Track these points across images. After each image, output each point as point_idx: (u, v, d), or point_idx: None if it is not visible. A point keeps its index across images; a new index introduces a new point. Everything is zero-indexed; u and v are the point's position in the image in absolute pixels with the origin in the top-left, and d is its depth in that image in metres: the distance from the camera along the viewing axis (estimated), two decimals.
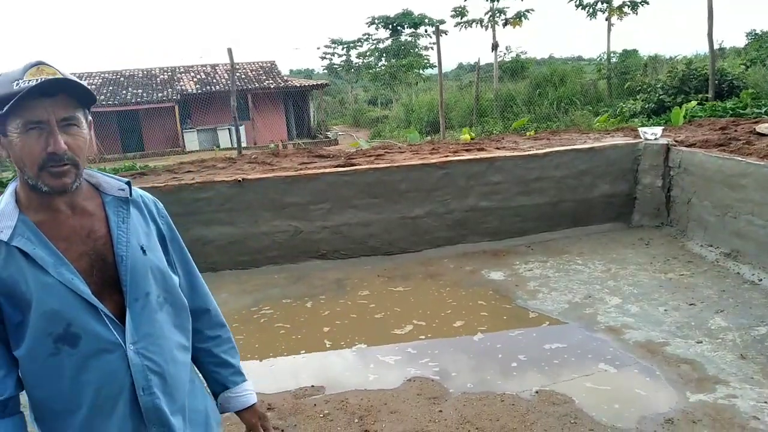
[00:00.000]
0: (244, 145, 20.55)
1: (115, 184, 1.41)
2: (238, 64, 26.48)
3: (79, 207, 1.34)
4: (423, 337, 4.13)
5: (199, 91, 24.20)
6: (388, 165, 5.73)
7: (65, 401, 1.29)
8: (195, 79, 25.45)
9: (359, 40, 33.39)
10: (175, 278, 1.48)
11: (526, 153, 5.94)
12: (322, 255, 5.64)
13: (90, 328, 1.26)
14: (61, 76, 1.23)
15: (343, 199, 5.59)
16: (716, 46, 19.05)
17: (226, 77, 24.77)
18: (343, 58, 34.82)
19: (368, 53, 33.19)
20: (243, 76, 25.67)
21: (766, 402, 3.05)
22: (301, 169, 5.84)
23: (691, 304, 4.25)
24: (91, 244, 1.32)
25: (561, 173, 5.89)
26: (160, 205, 1.54)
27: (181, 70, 26.49)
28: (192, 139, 23.54)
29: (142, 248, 1.37)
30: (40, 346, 1.26)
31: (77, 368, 1.27)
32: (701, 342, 3.72)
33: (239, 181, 5.36)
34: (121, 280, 1.32)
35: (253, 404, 1.62)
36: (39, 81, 1.20)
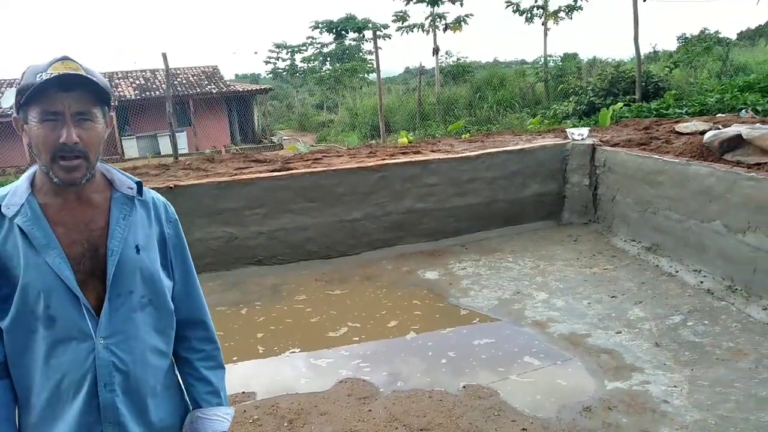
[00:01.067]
0: (186, 151, 20.15)
1: (126, 181, 1.46)
2: (178, 69, 25.95)
3: (85, 197, 1.39)
4: (357, 338, 4.17)
5: (138, 97, 23.52)
6: (325, 169, 5.75)
7: (35, 382, 1.33)
8: (134, 85, 24.75)
9: (303, 44, 33.26)
10: (167, 283, 1.49)
11: (460, 155, 6.07)
12: (259, 261, 5.60)
13: (66, 313, 1.30)
14: (79, 73, 1.29)
15: (279, 203, 5.58)
16: (650, 50, 19.93)
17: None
18: (288, 62, 34.60)
19: (312, 57, 33.07)
20: (184, 82, 25.14)
21: (675, 386, 3.23)
22: (235, 175, 5.79)
23: (612, 297, 4.45)
24: (87, 233, 1.36)
25: (493, 174, 6.05)
26: (171, 210, 1.57)
27: (119, 75, 25.70)
28: (131, 146, 22.85)
29: (136, 247, 1.40)
30: (20, 322, 1.31)
31: (48, 351, 1.31)
32: (620, 332, 3.90)
33: (171, 187, 5.26)
34: (106, 274, 1.35)
35: None
36: (57, 75, 1.27)
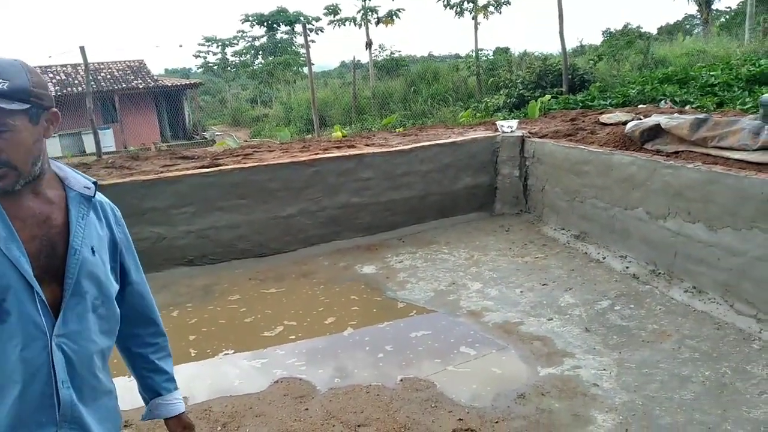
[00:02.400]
0: (113, 149, 19.28)
1: (82, 181, 1.43)
2: (102, 63, 24.79)
3: (41, 193, 1.35)
4: (293, 337, 4.08)
5: (59, 93, 22.29)
6: (256, 164, 5.60)
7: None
8: (54, 80, 23.45)
9: (234, 38, 32.45)
10: (115, 287, 1.48)
11: (394, 149, 6.06)
12: (189, 261, 5.40)
13: (22, 308, 1.26)
14: None
15: (208, 201, 5.39)
16: (576, 44, 20.59)
17: (91, 78, 23.11)
18: (219, 56, 33.69)
19: (244, 51, 32.33)
20: (108, 77, 24.05)
21: (605, 369, 3.33)
22: (161, 172, 5.56)
23: (544, 285, 4.55)
24: (45, 229, 1.33)
25: (427, 167, 6.08)
26: (119, 213, 1.56)
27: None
28: (53, 144, 21.64)
29: (92, 249, 1.39)
30: None
31: (2, 344, 1.26)
32: (552, 319, 3.99)
33: None
34: (66, 272, 1.32)
35: (182, 413, 1.68)
36: None
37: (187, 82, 26.59)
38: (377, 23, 17.78)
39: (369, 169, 5.89)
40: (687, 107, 7.00)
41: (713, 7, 30.16)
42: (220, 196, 5.42)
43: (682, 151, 4.36)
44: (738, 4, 32.35)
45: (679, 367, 3.26)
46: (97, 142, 8.32)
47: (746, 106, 6.10)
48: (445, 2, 16.53)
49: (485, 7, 16.08)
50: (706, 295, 3.86)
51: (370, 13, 17.92)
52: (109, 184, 5.09)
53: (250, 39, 32.10)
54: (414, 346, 3.81)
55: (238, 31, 32.84)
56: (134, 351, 1.63)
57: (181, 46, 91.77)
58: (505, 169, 6.29)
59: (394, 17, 17.87)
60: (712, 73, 8.16)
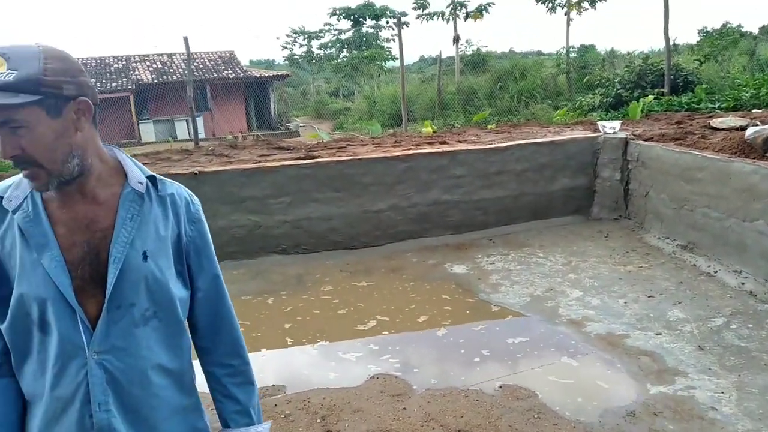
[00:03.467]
0: (202, 136, 20.07)
1: (138, 175, 1.28)
2: (195, 53, 25.86)
3: (90, 193, 1.23)
4: (386, 332, 4.07)
5: (156, 81, 23.51)
6: (351, 158, 5.63)
7: (35, 390, 1.23)
8: (151, 69, 24.73)
9: (321, 30, 33.04)
10: (181, 293, 1.32)
11: (488, 146, 5.93)
12: (283, 250, 5.51)
13: (60, 322, 1.18)
14: None
15: (304, 192, 5.48)
16: (671, 43, 19.56)
17: (183, 67, 24.17)
18: (305, 48, 34.43)
19: (330, 44, 32.86)
20: (201, 66, 25.08)
21: (723, 392, 3.10)
22: (260, 162, 5.69)
23: (649, 296, 4.31)
24: (89, 234, 1.21)
25: (522, 166, 5.91)
26: (196, 206, 1.38)
27: (136, 59, 25.68)
28: (148, 131, 22.89)
29: (144, 253, 1.23)
30: (17, 325, 1.20)
31: (44, 357, 1.20)
32: (660, 334, 3.77)
33: (195, 173, 5.18)
34: (107, 282, 1.20)
35: None
36: None
37: (275, 74, 27.31)
38: (466, 18, 17.55)
39: (462, 166, 5.79)
40: None
41: None
42: (316, 188, 5.50)
43: None
44: None
45: None
46: (195, 129, 8.66)
47: None
48: None
49: (579, 2, 15.51)
50: None
51: (459, 8, 17.70)
52: (211, 171, 5.27)
53: (336, 32, 32.61)
54: (512, 353, 3.70)
55: (325, 24, 33.40)
56: (207, 369, 1.43)
57: (278, 38, 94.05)
58: (605, 171, 6.02)
59: (484, 12, 17.57)
60: None
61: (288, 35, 34.81)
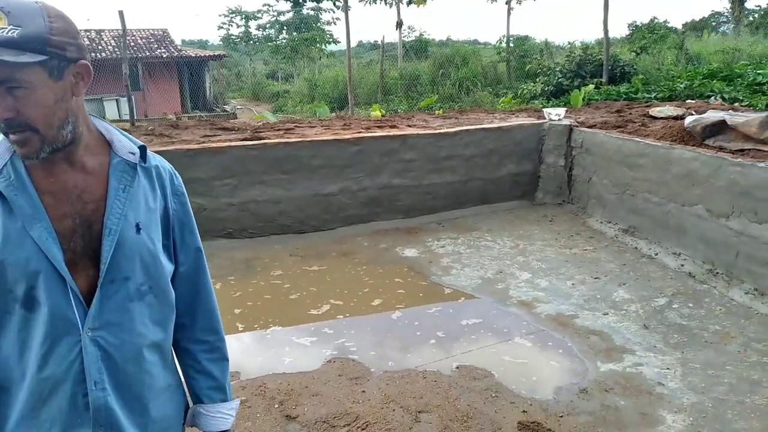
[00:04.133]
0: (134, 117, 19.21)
1: (128, 145, 1.22)
2: (127, 30, 24.68)
3: (78, 162, 1.16)
4: (341, 316, 4.02)
5: None
6: (300, 140, 5.51)
7: (13, 372, 1.14)
8: None
9: (259, 11, 32.19)
10: (169, 267, 1.28)
11: (438, 131, 5.94)
12: (229, 234, 5.34)
13: (51, 298, 1.10)
14: None
15: (251, 174, 5.32)
16: (601, 36, 20.22)
17: (113, 44, 23.02)
18: (242, 29, 33.45)
19: (268, 25, 32.09)
20: (132, 44, 23.89)
21: (668, 368, 3.24)
22: (203, 142, 5.48)
23: (595, 278, 4.45)
24: (79, 206, 1.14)
25: (470, 152, 5.96)
26: (179, 179, 1.34)
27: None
28: None
29: (137, 225, 1.18)
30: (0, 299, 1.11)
31: (27, 336, 1.12)
32: (607, 314, 3.90)
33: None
34: (101, 255, 1.13)
35: (226, 431, 1.40)
36: None
37: (211, 54, 26.43)
38: (408, 3, 17.52)
39: (412, 150, 5.78)
40: (736, 104, 6.81)
41: (745, 4, 29.52)
42: (263, 170, 5.35)
43: (749, 149, 4.22)
44: None
45: (748, 371, 3.16)
46: (131, 109, 8.25)
47: None
48: None
49: None
50: None
51: None
52: (154, 152, 5.02)
53: (275, 13, 31.85)
54: (466, 334, 3.73)
55: (264, 5, 32.58)
56: (182, 345, 1.38)
57: (197, 15, 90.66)
58: (550, 157, 6.16)
59: None
60: (759, 71, 7.94)
61: (224, 15, 33.72)
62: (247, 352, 3.62)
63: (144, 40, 24.82)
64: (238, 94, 30.83)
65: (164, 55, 23.78)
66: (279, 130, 6.20)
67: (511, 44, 16.59)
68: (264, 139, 5.62)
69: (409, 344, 3.63)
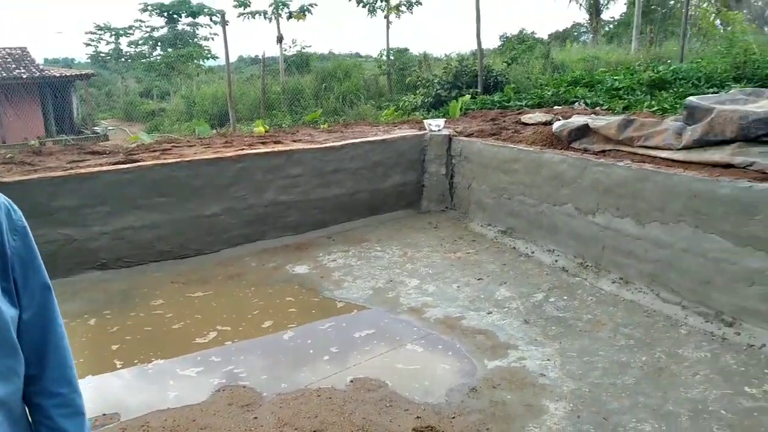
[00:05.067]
0: None
1: None
2: None
3: None
4: (229, 342, 3.87)
5: None
6: (178, 160, 5.27)
7: None
8: None
9: (131, 27, 30.59)
10: (11, 312, 1.12)
11: (323, 145, 5.93)
12: (103, 265, 4.98)
13: None
14: None
15: (125, 200, 5.00)
16: (475, 47, 21.27)
17: None
18: (112, 46, 31.61)
19: (141, 42, 30.59)
20: None
21: (548, 360, 3.43)
22: (71, 169, 5.09)
23: (479, 279, 4.63)
24: None
25: (356, 165, 6.01)
26: (18, 213, 1.18)
27: None
28: None
29: None
30: None
31: None
32: (491, 312, 4.06)
33: None
34: None
35: None
36: None
37: (78, 73, 24.74)
38: (289, 18, 17.43)
39: (298, 165, 5.73)
40: (597, 108, 7.41)
41: (601, 16, 32.40)
42: (139, 194, 5.06)
43: (609, 150, 4.59)
44: (621, 15, 34.94)
45: (617, 354, 3.41)
46: None
47: (653, 109, 6.54)
48: (358, 0, 16.49)
49: (397, 6, 16.21)
50: (633, 285, 4.09)
51: (281, 7, 17.52)
52: (12, 182, 4.59)
53: (148, 29, 30.43)
54: (360, 346, 3.73)
55: (136, 20, 30.98)
56: (32, 400, 1.22)
57: (60, 32, 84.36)
58: (432, 167, 6.35)
59: (306, 12, 17.61)
60: (615, 77, 8.70)
61: (92, 32, 31.71)
62: (127, 389, 3.38)
63: (0, 60, 22.77)
64: (110, 114, 29.08)
65: (24, 76, 21.97)
66: (155, 151, 5.89)
67: (392, 57, 16.99)
68: (139, 161, 5.31)
69: (302, 363, 3.56)
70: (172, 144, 6.30)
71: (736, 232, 3.40)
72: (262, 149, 5.68)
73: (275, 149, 5.67)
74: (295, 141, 6.26)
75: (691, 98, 4.35)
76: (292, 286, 4.72)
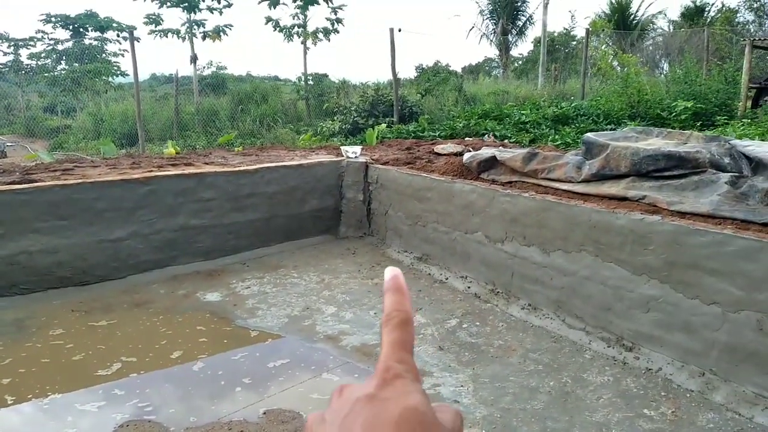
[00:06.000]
0: None
1: None
2: None
3: None
4: (134, 374, 3.67)
5: None
6: (80, 181, 4.99)
7: None
8: None
9: (32, 38, 28.80)
10: None
11: (237, 168, 5.83)
12: None
13: None
14: None
15: (20, 222, 4.67)
16: (391, 77, 21.78)
17: None
18: (10, 57, 29.59)
19: (44, 54, 28.86)
20: None
21: (462, 386, 3.50)
22: None
23: None
24: None
25: (273, 189, 5.95)
26: None
27: None
28: None
29: None
30: None
31: None
32: None
33: None
34: None
35: None
36: None
37: None
38: (204, 38, 17.11)
39: (211, 189, 5.59)
40: (505, 141, 7.78)
41: (510, 52, 34.23)
42: (36, 216, 4.74)
43: (515, 181, 4.82)
44: (528, 52, 37.10)
45: (527, 379, 3.54)
46: None
47: (557, 143, 6.94)
48: (275, 24, 16.48)
49: (315, 33, 16.36)
50: (541, 311, 4.28)
51: (196, 27, 17.18)
52: None
53: (51, 42, 28.75)
54: (274, 376, 3.65)
55: (37, 32, 29.21)
56: None
57: None
58: (349, 193, 6.39)
59: (222, 33, 17.36)
60: (522, 111, 9.19)
61: None
62: (19, 428, 3.11)
63: None
64: (9, 129, 27.10)
65: None
66: (56, 170, 5.56)
67: (310, 82, 17.07)
68: (36, 181, 4.99)
69: (213, 395, 3.43)
70: (75, 164, 5.97)
71: (631, 261, 3.65)
72: (173, 171, 5.50)
73: (186, 171, 5.50)
74: (207, 163, 6.11)
75: (588, 134, 4.67)
76: (203, 314, 4.56)
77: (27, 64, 29.78)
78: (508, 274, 4.57)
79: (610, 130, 7.93)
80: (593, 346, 3.86)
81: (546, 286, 4.24)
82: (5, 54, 29.71)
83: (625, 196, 4.03)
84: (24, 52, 29.81)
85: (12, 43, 29.26)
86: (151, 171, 5.55)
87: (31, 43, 29.18)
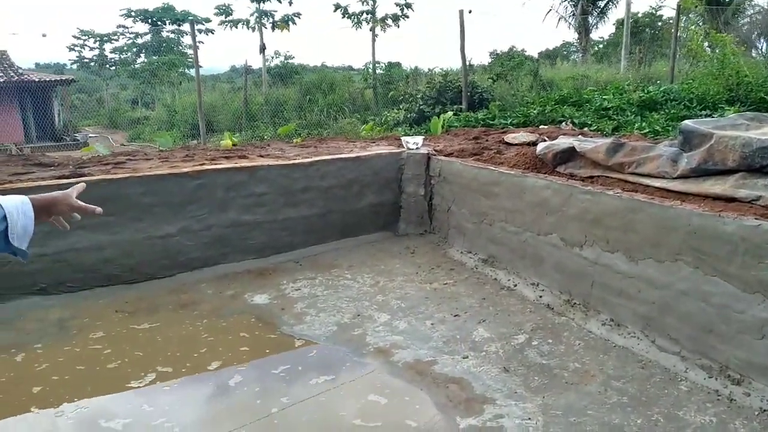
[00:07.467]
0: None
1: None
2: None
3: None
4: (167, 387, 3.39)
5: None
6: (128, 175, 4.80)
7: None
8: None
9: (114, 33, 30.06)
10: None
11: (292, 162, 5.50)
12: (42, 290, 4.49)
13: None
14: None
15: None
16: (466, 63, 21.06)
17: None
18: (96, 51, 31.03)
19: (125, 48, 30.07)
20: None
21: (530, 419, 2.98)
22: (9, 182, 4.61)
23: (455, 316, 4.19)
24: None
25: (328, 183, 5.58)
26: None
27: None
28: None
29: None
30: None
31: None
32: (467, 357, 3.62)
33: None
34: None
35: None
36: None
37: (58, 78, 24.21)
38: (273, 28, 17.05)
39: (263, 183, 5.28)
40: (585, 129, 7.06)
41: (590, 36, 32.47)
42: None
43: (598, 176, 4.20)
44: (610, 35, 35.13)
45: (609, 414, 2.98)
46: None
47: (644, 131, 6.19)
48: (343, 11, 16.17)
49: (383, 19, 15.92)
50: (626, 328, 3.67)
51: (264, 17, 17.15)
52: None
53: (132, 35, 29.90)
54: (315, 398, 3.26)
55: (119, 26, 30.45)
56: None
57: (44, 35, 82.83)
58: (410, 187, 5.93)
59: (290, 23, 17.25)
60: (604, 96, 8.38)
61: (76, 36, 31.11)
62: None
63: None
64: (95, 121, 28.47)
65: (1, 80, 21.37)
66: (108, 164, 5.42)
67: (380, 71, 16.67)
68: (86, 175, 4.84)
69: (247, 420, 3.09)
70: (128, 157, 5.83)
71: (742, 275, 2.99)
72: (224, 164, 5.23)
73: (237, 165, 5.22)
74: (262, 156, 5.82)
75: (687, 122, 3.97)
76: (248, 318, 4.25)
77: (111, 58, 31.19)
78: (588, 283, 3.97)
79: (706, 116, 7.03)
80: (691, 375, 3.22)
81: (632, 300, 3.62)
82: (91, 49, 31.21)
83: (734, 197, 3.35)
84: (107, 47, 31.22)
85: (97, 38, 30.68)
86: (203, 164, 5.31)
87: (114, 37, 30.48)
